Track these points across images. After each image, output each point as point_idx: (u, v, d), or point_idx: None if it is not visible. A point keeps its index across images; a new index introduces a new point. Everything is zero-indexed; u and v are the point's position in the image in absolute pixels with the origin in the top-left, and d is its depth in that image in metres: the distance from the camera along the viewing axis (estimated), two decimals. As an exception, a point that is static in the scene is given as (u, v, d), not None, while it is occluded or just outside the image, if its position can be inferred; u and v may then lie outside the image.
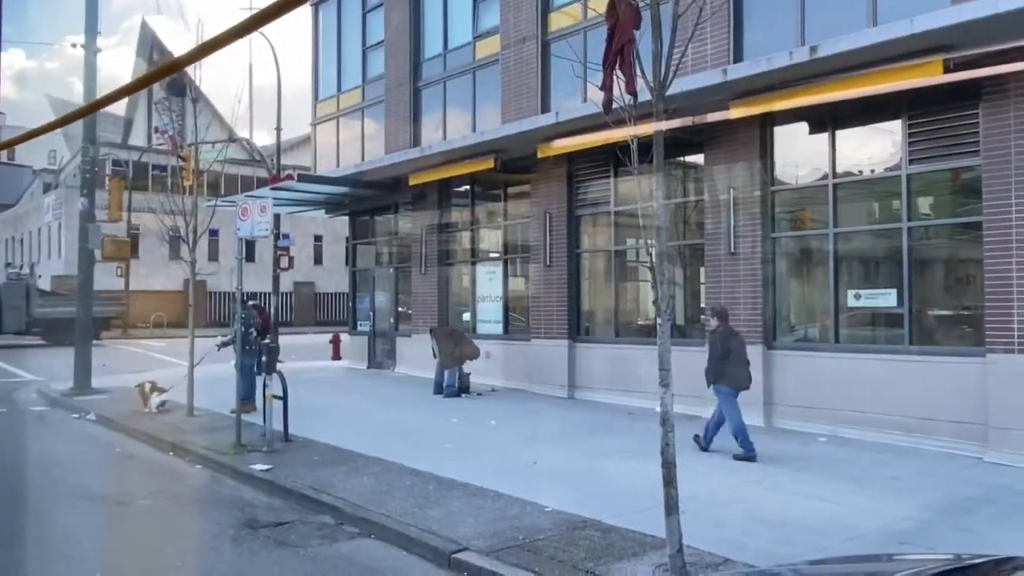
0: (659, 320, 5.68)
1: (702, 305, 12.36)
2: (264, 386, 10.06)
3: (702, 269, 12.47)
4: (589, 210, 14.34)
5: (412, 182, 16.78)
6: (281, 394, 10.17)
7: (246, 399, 12.20)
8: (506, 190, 16.28)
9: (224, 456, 9.43)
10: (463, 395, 14.32)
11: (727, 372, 8.91)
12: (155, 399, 12.61)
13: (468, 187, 17.25)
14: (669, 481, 5.50)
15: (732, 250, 11.48)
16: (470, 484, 7.76)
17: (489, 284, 16.59)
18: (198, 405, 12.61)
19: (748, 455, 8.73)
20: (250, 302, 12.30)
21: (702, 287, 12.64)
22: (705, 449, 9.22)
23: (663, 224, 5.67)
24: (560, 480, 7.99)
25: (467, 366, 14.76)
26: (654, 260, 5.66)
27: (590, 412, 12.45)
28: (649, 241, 5.92)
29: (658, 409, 5.70)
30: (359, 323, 20.89)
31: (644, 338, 13.22)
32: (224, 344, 12.60)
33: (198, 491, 8.28)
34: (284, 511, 7.47)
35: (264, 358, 10.16)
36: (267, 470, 8.60)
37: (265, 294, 46.67)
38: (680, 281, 12.98)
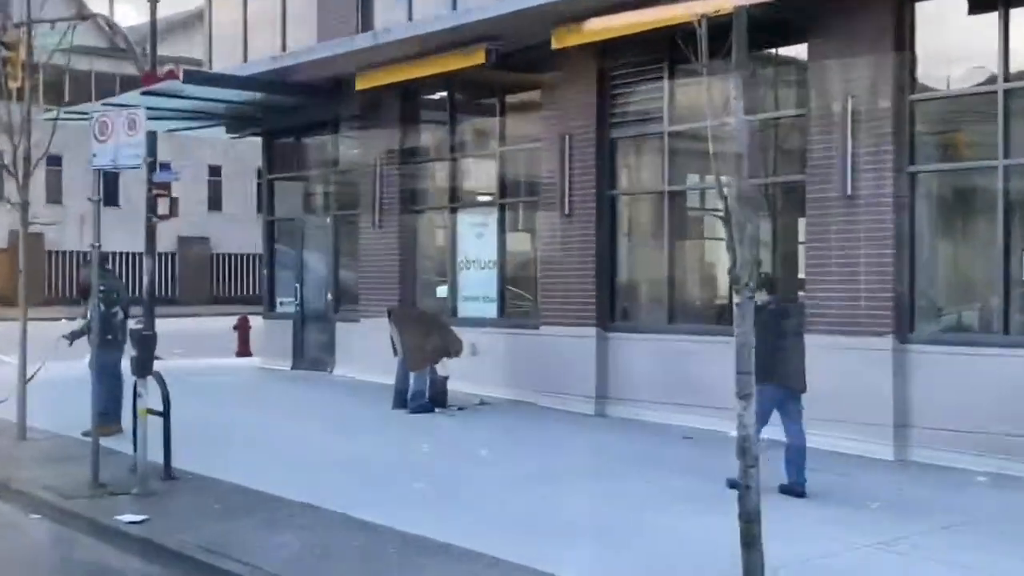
0: (737, 298, 5.69)
1: (801, 276, 12.38)
2: (135, 396, 10.10)
3: (801, 220, 12.44)
4: (631, 130, 14.29)
5: (361, 86, 16.71)
6: (160, 408, 10.20)
7: (107, 415, 12.24)
8: (503, 100, 16.22)
9: (75, 500, 9.46)
10: (437, 410, 14.39)
11: (778, 367, 9.13)
12: None
13: (445, 95, 17.18)
14: (750, 541, 5.54)
15: (848, 191, 11.50)
16: (452, 545, 7.78)
17: (477, 243, 16.60)
18: (34, 424, 12.63)
19: (795, 488, 9.29)
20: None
21: (800, 248, 12.64)
22: (802, 493, 9.30)
23: (744, 151, 5.64)
24: (587, 540, 7.99)
25: (443, 367, 14.81)
26: (730, 206, 5.65)
27: (628, 436, 12.48)
28: (723, 178, 5.91)
29: (733, 433, 5.73)
30: (279, 301, 20.92)
31: (712, 325, 13.21)
32: (76, 336, 12.61)
33: (37, 554, 8.33)
34: (168, 584, 7.52)
35: (135, 353, 10.19)
36: (141, 522, 8.65)
37: (133, 255, 46.77)
38: (768, 238, 12.96)
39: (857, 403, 11.04)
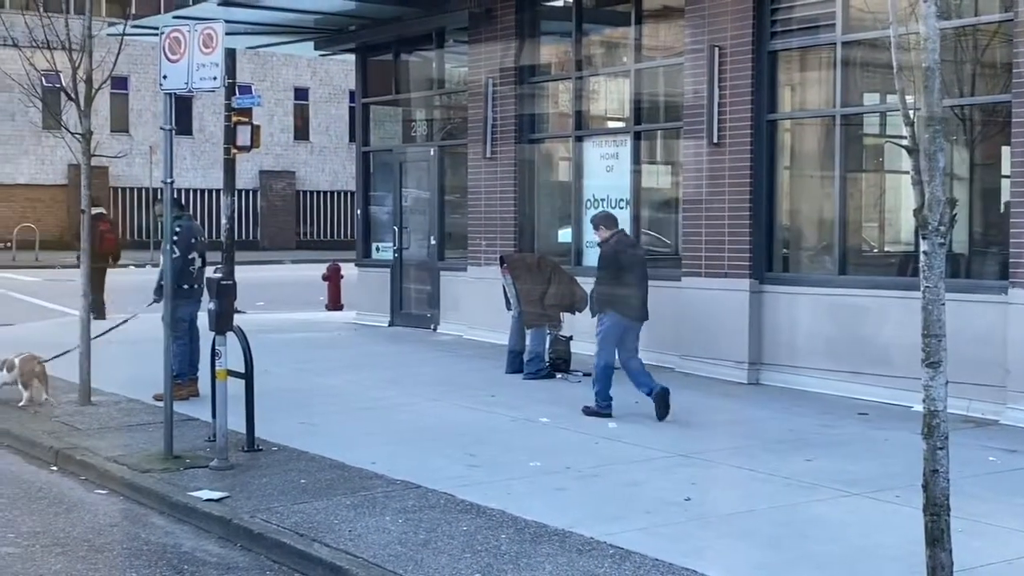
0: (924, 244, 5.57)
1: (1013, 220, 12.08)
2: (213, 355, 10.36)
3: (1005, 149, 12.12)
4: (795, 40, 14.08)
5: (470, -9, 16.75)
6: (242, 370, 10.45)
7: (181, 376, 12.61)
8: (639, 5, 16.10)
9: (146, 474, 9.76)
10: (558, 376, 14.47)
11: (618, 298, 12.02)
12: (32, 390, 12.76)
13: (571, 0, 17.09)
14: (937, 538, 5.47)
15: (1064, 115, 11.15)
16: (572, 533, 7.86)
17: (607, 179, 16.58)
18: (100, 386, 13.07)
19: (600, 410, 11.95)
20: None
21: (1004, 183, 12.32)
22: (605, 405, 11.88)
23: (936, 65, 5.50)
24: (736, 530, 8.00)
25: (567, 325, 14.84)
26: (917, 133, 5.52)
27: (788, 409, 12.43)
28: (908, 98, 5.78)
29: (918, 407, 5.63)
30: (375, 247, 21.23)
31: (893, 277, 13.10)
32: (161, 292, 12.91)
33: (102, 535, 8.63)
34: (251, 573, 7.70)
35: (212, 306, 10.42)
36: (220, 500, 8.89)
37: (208, 192, 47.76)
38: (965, 173, 12.68)
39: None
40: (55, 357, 13.38)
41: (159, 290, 12.86)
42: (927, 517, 5.56)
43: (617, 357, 12.10)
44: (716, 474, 9.72)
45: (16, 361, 12.85)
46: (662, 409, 11.67)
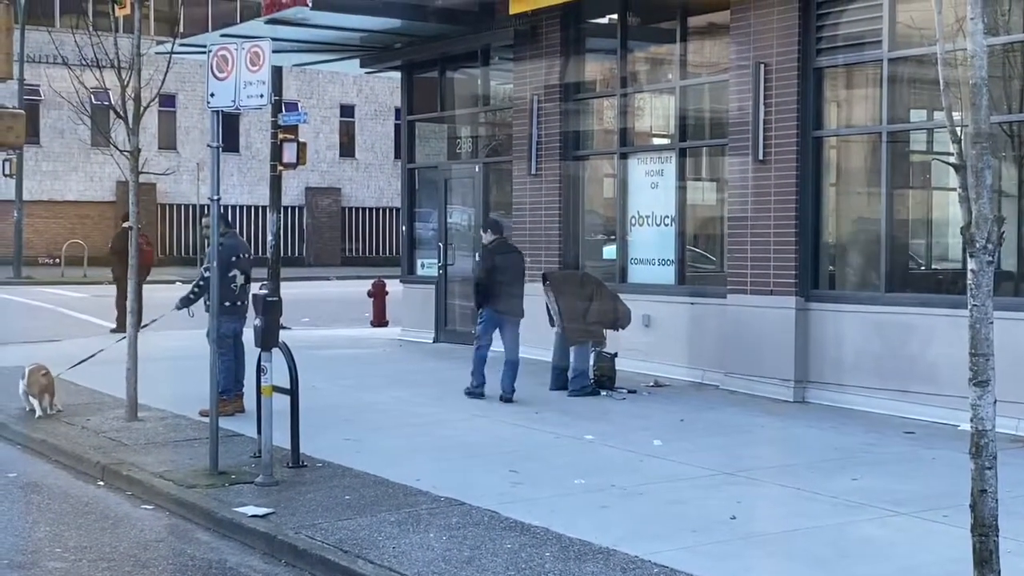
0: (972, 262, 5.54)
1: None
2: (258, 371, 10.43)
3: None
4: (841, 56, 14.03)
5: (516, 9, 16.79)
6: (287, 386, 10.51)
7: (227, 393, 12.69)
8: (685, 23, 16.09)
9: (192, 490, 9.85)
10: (603, 393, 14.45)
11: (493, 296, 14.00)
12: (40, 400, 13.10)
13: (615, 17, 17.11)
14: (985, 559, 5.42)
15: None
16: (616, 552, 7.85)
17: (652, 195, 16.56)
18: (147, 402, 13.19)
19: (473, 390, 14.12)
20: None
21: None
22: (510, 400, 13.82)
23: (983, 81, 5.47)
24: (781, 549, 7.98)
25: (611, 342, 14.82)
26: (964, 150, 5.49)
27: (834, 427, 12.36)
28: (956, 115, 5.75)
29: (965, 426, 5.59)
30: (420, 263, 21.28)
31: (940, 295, 13.01)
32: (187, 302, 13.06)
33: (148, 550, 8.69)
34: (293, 587, 7.76)
35: (258, 322, 10.49)
36: (265, 516, 8.95)
37: (253, 209, 48.10)
38: (1014, 190, 12.59)
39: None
40: (71, 367, 13.55)
41: (184, 300, 13.02)
42: (975, 538, 5.52)
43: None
44: (762, 492, 9.67)
45: (26, 371, 13.32)
46: (471, 394, 14.10)
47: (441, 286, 20.29)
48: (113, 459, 11.03)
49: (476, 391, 14.09)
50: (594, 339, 14.59)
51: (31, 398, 13.12)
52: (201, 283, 12.64)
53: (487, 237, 14.51)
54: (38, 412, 13.03)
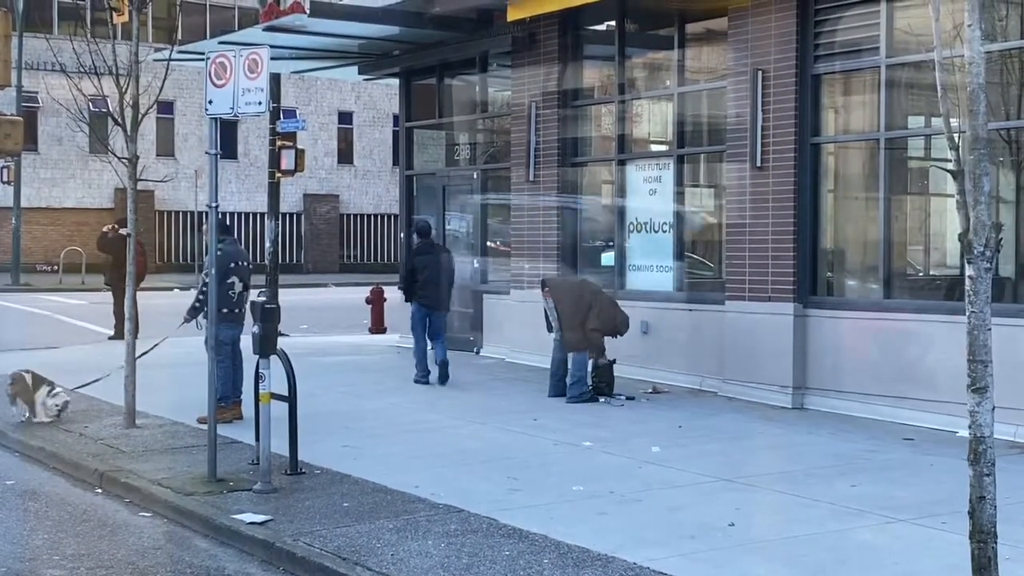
0: (969, 269, 5.54)
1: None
2: (256, 378, 10.42)
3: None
4: (838, 63, 14.03)
5: (513, 16, 16.80)
6: (286, 393, 10.50)
7: (225, 400, 12.68)
8: (683, 30, 16.09)
9: (190, 497, 9.83)
10: (602, 399, 14.44)
11: (419, 290, 15.87)
12: (47, 399, 13.12)
13: (613, 24, 17.12)
14: (984, 566, 5.42)
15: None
16: (615, 558, 7.85)
17: (649, 201, 16.55)
18: (145, 409, 13.17)
19: (417, 379, 15.79)
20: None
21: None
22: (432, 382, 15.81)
23: (980, 87, 5.47)
24: (780, 556, 7.97)
25: (610, 349, 14.82)
26: (962, 156, 5.49)
27: (833, 433, 12.35)
28: (953, 121, 5.75)
29: (964, 432, 5.59)
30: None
31: (939, 301, 13.00)
32: (195, 312, 13.03)
33: (146, 557, 8.68)
34: (292, 595, 7.75)
35: (256, 329, 10.48)
36: (263, 523, 8.93)
37: (252, 216, 48.11)
38: (1011, 196, 12.59)
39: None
40: (88, 384, 13.44)
41: (192, 311, 13.01)
42: (974, 544, 5.52)
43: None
44: (760, 499, 9.67)
45: (9, 376, 13.48)
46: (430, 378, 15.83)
47: (439, 293, 20.25)
48: (111, 466, 11.01)
49: (421, 380, 15.79)
50: (593, 348, 14.55)
51: (16, 405, 13.20)
52: (204, 290, 12.63)
53: (415, 240, 16.40)
54: (36, 418, 13.05)
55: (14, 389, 13.27)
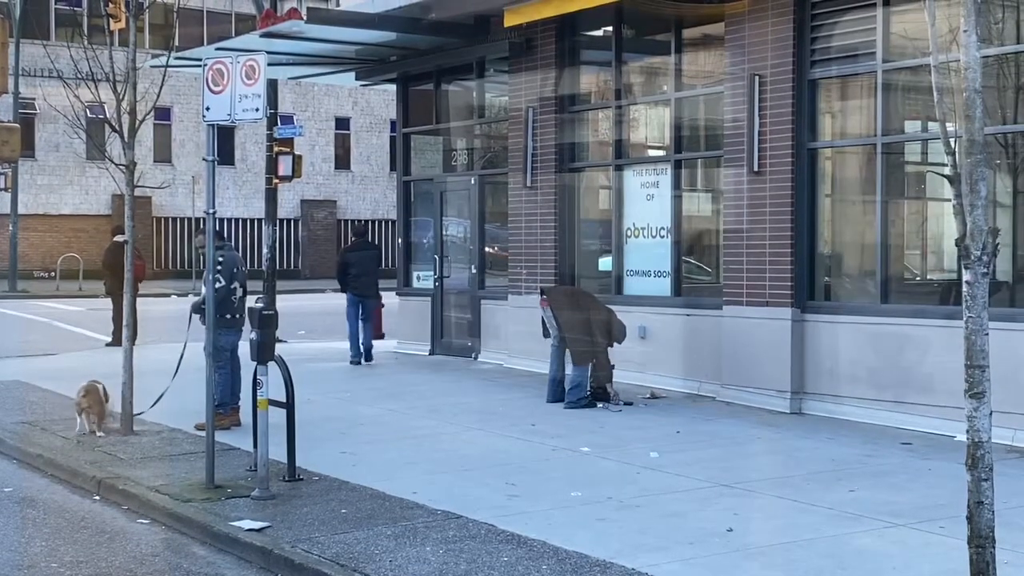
0: (967, 274, 5.54)
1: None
2: (254, 385, 10.42)
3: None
4: (835, 68, 14.06)
5: (510, 22, 16.82)
6: (283, 399, 10.50)
7: (223, 406, 12.67)
8: (679, 35, 16.12)
9: (188, 504, 9.83)
10: (600, 405, 14.44)
11: (350, 280, 19.08)
12: (88, 420, 12.85)
13: (610, 30, 17.15)
14: (982, 570, 5.42)
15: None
16: (613, 564, 7.85)
17: (647, 206, 16.57)
18: (143, 416, 13.17)
19: (353, 359, 18.91)
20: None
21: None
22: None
23: (977, 92, 5.48)
24: (778, 561, 7.97)
25: (610, 355, 14.83)
26: (959, 161, 5.50)
27: (831, 438, 12.36)
28: (950, 126, 5.76)
29: (962, 437, 5.59)
30: (415, 275, 21.29)
31: (936, 306, 13.01)
32: (199, 310, 12.99)
33: (144, 564, 8.67)
34: (290, 601, 7.74)
35: (254, 336, 10.47)
36: (261, 530, 8.93)
37: (249, 222, 48.13)
38: (1008, 201, 12.60)
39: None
40: (152, 406, 13.25)
41: (197, 308, 12.95)
42: (972, 549, 5.52)
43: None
44: (758, 504, 9.66)
45: (82, 388, 13.06)
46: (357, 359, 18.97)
47: (437, 298, 20.29)
48: (109, 473, 11.01)
49: (355, 360, 18.96)
50: (599, 360, 14.53)
51: (80, 417, 12.92)
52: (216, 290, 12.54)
53: (351, 241, 19.55)
54: (79, 429, 12.84)
55: (87, 401, 12.84)
